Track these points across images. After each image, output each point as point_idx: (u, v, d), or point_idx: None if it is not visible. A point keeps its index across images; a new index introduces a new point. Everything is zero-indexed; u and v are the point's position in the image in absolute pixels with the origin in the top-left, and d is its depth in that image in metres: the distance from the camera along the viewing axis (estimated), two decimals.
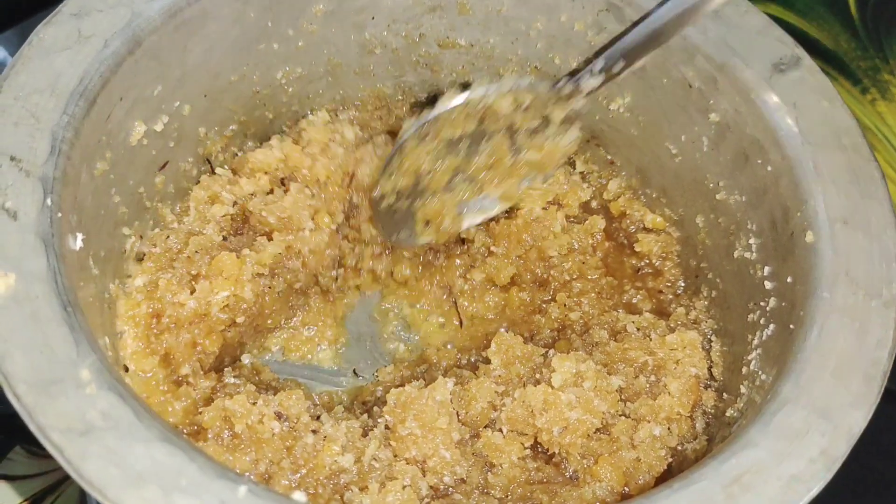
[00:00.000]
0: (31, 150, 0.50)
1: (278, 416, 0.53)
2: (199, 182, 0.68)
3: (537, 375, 0.60)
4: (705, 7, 0.56)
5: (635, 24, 0.61)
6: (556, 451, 0.57)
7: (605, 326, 0.67)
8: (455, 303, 0.73)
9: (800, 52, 0.61)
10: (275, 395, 0.56)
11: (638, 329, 0.65)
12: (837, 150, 0.57)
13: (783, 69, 0.60)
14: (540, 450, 0.59)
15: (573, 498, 0.54)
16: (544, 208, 0.72)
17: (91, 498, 0.69)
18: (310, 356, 0.71)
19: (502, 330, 0.70)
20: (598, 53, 0.63)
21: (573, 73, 0.63)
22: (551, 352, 0.62)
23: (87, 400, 0.42)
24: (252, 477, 0.52)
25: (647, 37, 0.59)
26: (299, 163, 0.67)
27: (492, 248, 0.73)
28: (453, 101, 0.63)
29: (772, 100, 0.59)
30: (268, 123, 0.74)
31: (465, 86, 0.65)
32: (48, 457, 0.75)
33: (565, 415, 0.56)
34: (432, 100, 0.68)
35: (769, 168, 0.59)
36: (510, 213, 0.73)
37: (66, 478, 0.76)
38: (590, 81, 0.62)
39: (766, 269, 0.59)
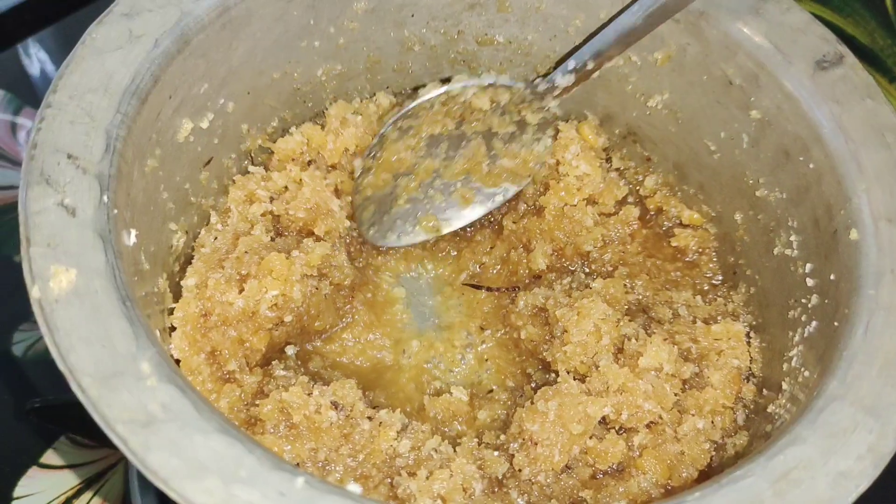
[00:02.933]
0: (87, 148, 0.51)
1: (334, 405, 0.54)
2: (234, 182, 0.69)
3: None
4: (678, 6, 0.59)
5: (606, 23, 0.67)
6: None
7: (665, 304, 0.67)
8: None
9: (843, 49, 0.61)
10: (327, 385, 0.57)
11: (688, 310, 0.66)
12: (882, 147, 0.57)
13: (826, 66, 0.60)
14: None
15: (619, 493, 0.54)
16: (574, 204, 0.73)
17: (134, 488, 0.71)
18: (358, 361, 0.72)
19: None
20: (570, 53, 0.68)
21: (546, 74, 0.67)
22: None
23: (148, 392, 0.44)
24: (311, 465, 0.53)
25: (618, 36, 0.63)
26: (322, 141, 0.68)
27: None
28: (432, 92, 0.68)
29: (814, 97, 0.59)
30: (307, 120, 0.75)
31: (446, 80, 0.70)
32: (93, 447, 0.78)
33: (639, 402, 0.57)
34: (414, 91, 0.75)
35: (811, 165, 0.59)
36: (539, 211, 0.73)
37: (111, 467, 0.78)
38: (562, 80, 0.66)
39: (808, 266, 0.60)
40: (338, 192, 0.67)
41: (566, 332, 0.62)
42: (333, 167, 0.69)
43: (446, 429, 0.66)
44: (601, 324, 0.61)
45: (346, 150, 0.68)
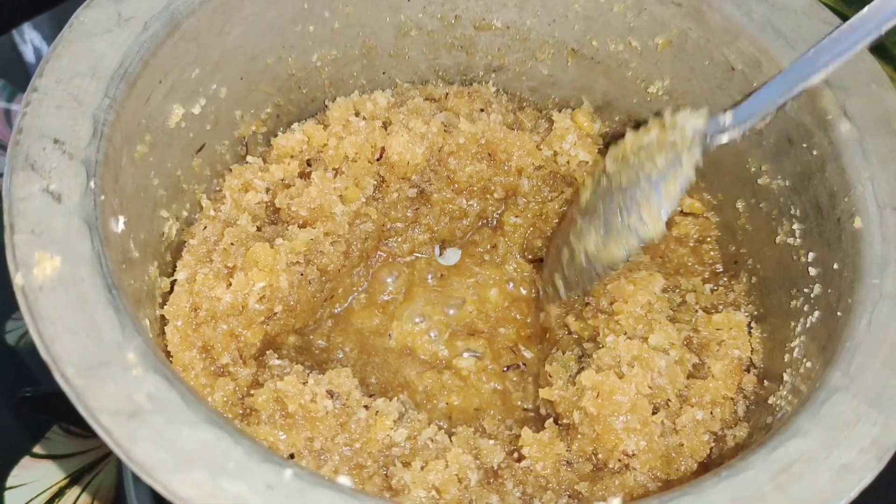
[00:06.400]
0: (73, 133, 0.50)
1: (330, 394, 0.54)
2: (230, 170, 0.68)
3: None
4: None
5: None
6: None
7: (673, 290, 0.66)
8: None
9: None
10: (322, 373, 0.56)
11: (695, 297, 0.65)
12: (887, 134, 0.56)
13: None
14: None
15: (615, 486, 0.54)
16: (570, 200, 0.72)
17: (128, 477, 0.70)
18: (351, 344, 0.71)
19: None
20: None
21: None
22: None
23: (134, 382, 0.43)
24: (307, 454, 0.52)
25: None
26: (323, 143, 0.67)
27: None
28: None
29: (818, 83, 0.58)
30: (303, 106, 0.73)
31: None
32: (86, 436, 0.77)
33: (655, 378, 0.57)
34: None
35: (815, 152, 0.58)
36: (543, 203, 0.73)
37: (104, 457, 0.77)
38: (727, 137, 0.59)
39: (811, 255, 0.58)
40: (343, 199, 0.65)
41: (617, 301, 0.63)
42: (337, 171, 0.67)
43: (441, 403, 0.65)
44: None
45: (346, 157, 0.67)
